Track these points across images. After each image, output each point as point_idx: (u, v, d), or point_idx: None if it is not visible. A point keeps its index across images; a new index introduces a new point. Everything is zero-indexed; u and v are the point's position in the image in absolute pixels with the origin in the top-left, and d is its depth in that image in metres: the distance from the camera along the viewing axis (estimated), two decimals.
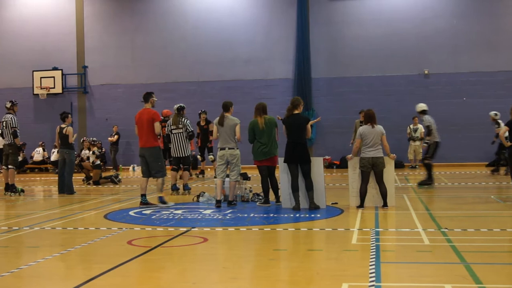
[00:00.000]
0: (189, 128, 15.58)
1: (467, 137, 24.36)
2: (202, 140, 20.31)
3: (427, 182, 15.88)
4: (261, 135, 12.41)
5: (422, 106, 16.39)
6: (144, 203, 12.91)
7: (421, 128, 23.80)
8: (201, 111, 20.52)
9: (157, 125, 12.92)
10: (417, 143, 23.77)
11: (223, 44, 26.87)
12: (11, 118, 15.86)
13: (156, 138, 13.08)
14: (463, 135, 23.82)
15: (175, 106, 15.91)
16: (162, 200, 12.96)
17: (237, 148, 12.68)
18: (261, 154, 12.42)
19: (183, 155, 15.60)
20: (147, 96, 13.19)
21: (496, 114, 19.70)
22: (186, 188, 15.62)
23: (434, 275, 6.49)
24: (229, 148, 12.57)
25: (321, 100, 26.03)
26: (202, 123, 20.28)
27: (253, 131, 12.49)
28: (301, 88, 25.55)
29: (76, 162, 20.71)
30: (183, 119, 15.65)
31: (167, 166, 18.98)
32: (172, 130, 15.58)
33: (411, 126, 24.03)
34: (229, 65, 26.81)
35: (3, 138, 16.51)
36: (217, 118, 12.75)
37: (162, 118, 18.95)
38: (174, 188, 15.67)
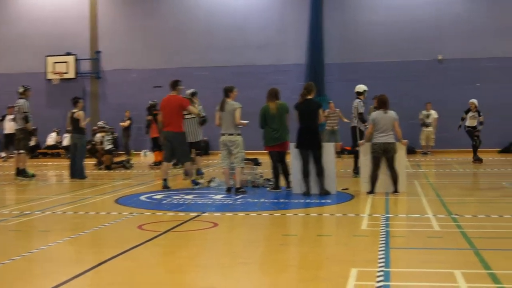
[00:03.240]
0: (201, 114, 15.59)
1: (483, 122, 24.23)
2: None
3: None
4: (273, 121, 12.37)
5: (360, 87, 15.38)
6: (166, 187, 13.11)
7: (433, 114, 23.68)
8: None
9: (191, 108, 13.50)
10: (430, 129, 23.66)
11: (236, 29, 26.80)
12: (23, 103, 15.92)
13: (182, 124, 13.48)
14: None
15: (188, 92, 15.89)
16: (196, 182, 13.43)
17: (238, 134, 12.43)
18: (272, 139, 12.40)
19: (195, 140, 15.62)
20: (174, 84, 13.45)
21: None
22: (199, 173, 15.66)
23: (443, 261, 6.48)
24: (228, 134, 12.42)
25: (334, 86, 25.90)
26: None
27: (265, 116, 12.46)
28: (314, 74, 25.39)
29: (88, 147, 20.82)
30: (196, 104, 15.65)
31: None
32: (185, 116, 15.58)
33: (424, 112, 23.89)
34: (241, 50, 26.75)
35: (15, 122, 16.57)
36: (219, 104, 12.61)
37: None
38: (187, 174, 15.70)
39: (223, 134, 12.49)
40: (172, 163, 13.34)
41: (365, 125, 14.01)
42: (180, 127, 13.28)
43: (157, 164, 18.67)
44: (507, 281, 5.56)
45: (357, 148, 13.96)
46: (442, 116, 23.82)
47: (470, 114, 19.45)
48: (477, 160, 19.21)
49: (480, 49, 24.95)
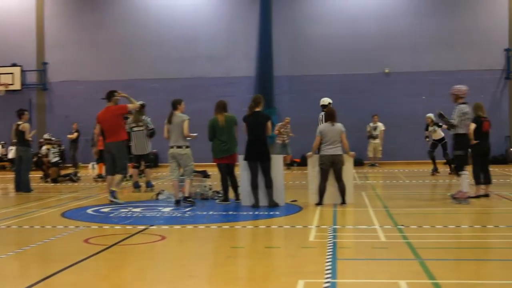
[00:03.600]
0: (149, 126, 15.55)
1: (429, 135, 24.71)
2: None
3: None
4: (221, 133, 12.39)
5: (325, 100, 15.35)
6: (115, 197, 12.76)
7: (380, 126, 24.01)
8: None
9: (130, 106, 13.19)
10: (377, 141, 23.97)
11: (186, 41, 26.76)
12: None
13: (124, 132, 13.25)
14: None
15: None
16: (115, 195, 12.78)
17: (187, 147, 12.48)
18: (221, 151, 12.41)
19: (144, 153, 15.58)
20: (110, 95, 13.10)
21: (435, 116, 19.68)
22: (149, 185, 15.60)
23: (389, 271, 6.57)
24: (177, 147, 12.44)
25: (283, 98, 26.09)
26: None
27: (213, 128, 12.47)
28: (263, 86, 25.48)
29: (35, 159, 20.45)
30: (144, 117, 15.61)
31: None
32: (133, 128, 15.54)
33: (371, 124, 24.22)
34: (191, 62, 26.71)
35: None
36: (167, 117, 12.61)
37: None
38: (136, 186, 15.63)
39: (172, 147, 12.49)
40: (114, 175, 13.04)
41: None
42: (121, 136, 12.97)
43: (101, 176, 18.47)
44: None
45: None
46: (389, 128, 24.21)
47: (430, 128, 19.62)
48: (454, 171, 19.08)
49: (426, 62, 25.47)
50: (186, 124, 12.38)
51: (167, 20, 27.05)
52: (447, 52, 25.44)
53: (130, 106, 13.18)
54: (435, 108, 23.83)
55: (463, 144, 12.38)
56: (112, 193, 12.79)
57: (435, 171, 19.57)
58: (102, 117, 13.00)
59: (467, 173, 12.29)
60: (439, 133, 19.47)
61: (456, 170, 13.10)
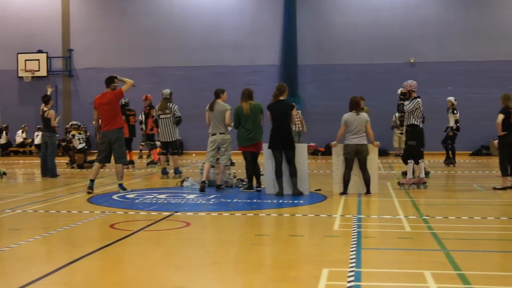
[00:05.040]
0: (176, 114, 15.67)
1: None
2: (147, 126, 19.22)
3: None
4: (246, 121, 12.40)
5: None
6: (91, 188, 12.52)
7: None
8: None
9: (125, 87, 12.63)
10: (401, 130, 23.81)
11: (210, 30, 26.79)
12: None
13: (121, 120, 12.80)
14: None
15: (166, 91, 15.93)
16: (122, 187, 12.65)
17: (228, 133, 12.84)
18: (246, 140, 12.42)
19: (171, 140, 15.71)
20: (110, 81, 12.69)
21: (455, 100, 19.38)
22: (177, 171, 15.74)
23: (414, 261, 6.54)
24: (220, 133, 12.74)
25: (307, 87, 26.06)
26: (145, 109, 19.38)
27: (238, 116, 12.49)
28: (287, 75, 25.51)
29: (63, 143, 20.66)
30: (171, 104, 15.73)
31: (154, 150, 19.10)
32: (160, 115, 15.69)
33: (396, 114, 24.03)
34: (215, 50, 26.74)
35: None
36: (209, 104, 12.89)
37: (149, 102, 18.96)
38: (164, 172, 15.80)
39: (214, 134, 12.76)
40: (104, 164, 13.07)
41: None
42: (118, 123, 12.56)
43: (130, 162, 18.63)
44: (476, 282, 5.63)
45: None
46: None
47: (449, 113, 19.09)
48: (451, 163, 19.06)
49: (451, 52, 25.24)
50: (228, 114, 12.71)
51: (191, 8, 27.10)
52: (473, 42, 25.20)
53: (124, 87, 12.64)
54: (460, 99, 23.78)
55: (415, 134, 12.79)
56: (120, 185, 12.66)
57: (450, 163, 19.16)
58: (99, 103, 12.59)
59: (412, 161, 12.66)
60: (451, 120, 19.04)
61: (404, 159, 13.33)
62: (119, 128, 12.62)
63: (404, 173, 15.09)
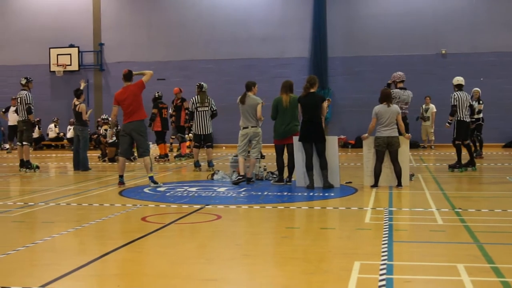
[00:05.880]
0: (213, 107, 15.79)
1: (485, 117, 24.19)
2: (178, 119, 19.37)
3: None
4: (284, 113, 12.32)
5: (457, 80, 15.22)
6: (122, 183, 12.55)
7: (432, 108, 23.61)
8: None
9: (145, 78, 12.67)
10: (427, 123, 23.60)
11: (239, 22, 26.79)
12: (25, 94, 15.94)
13: (144, 110, 12.65)
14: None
15: (203, 84, 16.08)
16: (153, 180, 12.52)
17: (259, 127, 12.83)
18: (284, 133, 12.34)
19: (206, 133, 15.79)
20: (129, 75, 12.83)
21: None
22: (210, 164, 15.84)
23: (446, 254, 6.49)
24: (252, 127, 12.73)
25: (337, 80, 25.95)
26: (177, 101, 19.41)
27: (277, 108, 12.43)
28: (317, 67, 25.46)
29: (94, 136, 20.84)
30: (209, 97, 15.85)
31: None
32: (198, 108, 15.80)
33: (424, 106, 23.85)
34: (245, 43, 26.74)
35: (17, 114, 16.60)
36: (240, 97, 12.89)
37: (176, 96, 19.10)
38: (197, 165, 15.92)
39: (246, 127, 12.75)
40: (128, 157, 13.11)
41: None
42: (142, 114, 12.51)
43: (162, 157, 18.76)
44: (510, 275, 5.57)
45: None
46: (447, 110, 23.81)
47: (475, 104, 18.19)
48: (479, 155, 18.51)
49: (484, 43, 24.90)
50: (259, 108, 12.66)
51: (220, 1, 27.10)
52: (506, 32, 24.82)
53: (144, 78, 12.66)
54: (492, 90, 23.46)
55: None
56: (151, 178, 12.49)
57: (478, 155, 18.39)
58: (121, 97, 12.53)
59: None
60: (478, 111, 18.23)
61: None
62: (143, 119, 12.57)
63: (451, 166, 14.87)
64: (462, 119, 14.69)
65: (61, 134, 27.48)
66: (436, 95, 23.91)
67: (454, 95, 14.72)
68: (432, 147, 23.54)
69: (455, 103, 14.65)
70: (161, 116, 18.77)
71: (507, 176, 13.82)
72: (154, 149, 20.54)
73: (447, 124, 15.00)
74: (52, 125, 27.39)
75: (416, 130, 22.63)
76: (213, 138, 16.30)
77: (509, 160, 18.27)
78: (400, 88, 13.11)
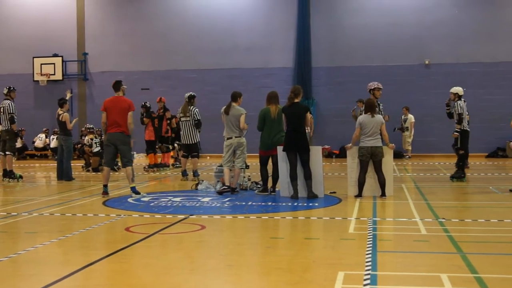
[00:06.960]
0: (196, 117, 15.76)
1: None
2: (160, 129, 19.27)
3: (456, 175, 14.92)
4: (272, 125, 12.34)
5: (455, 89, 15.35)
6: (106, 192, 12.48)
7: (410, 118, 23.74)
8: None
9: (130, 115, 12.40)
10: (406, 133, 23.70)
11: (223, 32, 26.81)
12: (8, 104, 15.87)
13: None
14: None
15: (186, 95, 16.06)
16: (135, 191, 12.47)
17: (243, 137, 12.82)
18: (271, 144, 12.34)
19: (192, 142, 15.79)
20: (118, 84, 12.76)
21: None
22: (196, 174, 15.84)
23: (430, 264, 6.52)
24: (235, 137, 12.71)
25: (321, 90, 26.03)
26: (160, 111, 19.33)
27: (264, 119, 12.44)
28: (301, 77, 25.54)
29: (78, 146, 20.74)
30: (192, 107, 15.82)
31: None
32: (181, 118, 15.82)
33: (402, 116, 23.98)
34: (229, 53, 26.77)
35: (0, 124, 16.49)
36: (224, 107, 12.86)
37: (163, 105, 19.07)
38: (185, 174, 15.91)
39: (230, 137, 12.72)
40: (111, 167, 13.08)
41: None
42: (128, 129, 12.39)
43: (151, 166, 18.71)
44: (493, 285, 5.61)
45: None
46: (429, 120, 24.04)
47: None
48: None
49: (467, 54, 25.09)
50: (243, 118, 12.68)
51: (205, 11, 27.14)
52: (488, 43, 25.03)
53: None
54: (475, 100, 23.62)
55: None
56: (133, 189, 12.44)
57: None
58: (111, 105, 12.40)
59: None
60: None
61: None
62: (128, 135, 12.48)
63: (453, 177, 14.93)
64: (465, 128, 14.83)
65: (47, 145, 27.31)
66: (419, 105, 24.08)
67: (460, 103, 14.76)
68: (408, 156, 23.59)
69: (461, 111, 14.66)
70: (153, 125, 18.76)
71: (490, 186, 13.91)
72: (138, 158, 20.45)
73: (455, 133, 14.84)
74: (43, 135, 27.10)
75: (397, 140, 22.72)
76: (199, 148, 16.25)
77: (492, 170, 18.40)
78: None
